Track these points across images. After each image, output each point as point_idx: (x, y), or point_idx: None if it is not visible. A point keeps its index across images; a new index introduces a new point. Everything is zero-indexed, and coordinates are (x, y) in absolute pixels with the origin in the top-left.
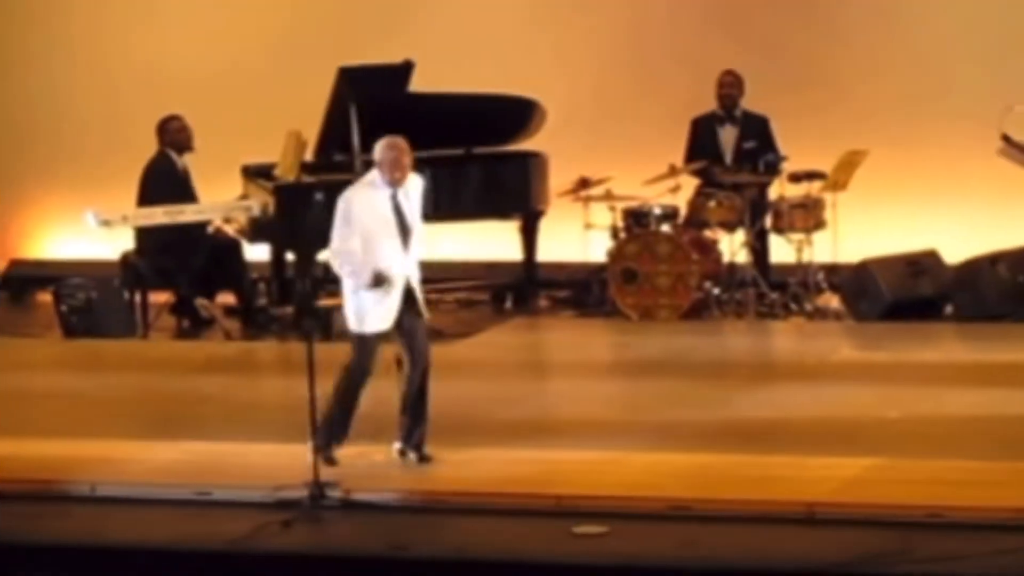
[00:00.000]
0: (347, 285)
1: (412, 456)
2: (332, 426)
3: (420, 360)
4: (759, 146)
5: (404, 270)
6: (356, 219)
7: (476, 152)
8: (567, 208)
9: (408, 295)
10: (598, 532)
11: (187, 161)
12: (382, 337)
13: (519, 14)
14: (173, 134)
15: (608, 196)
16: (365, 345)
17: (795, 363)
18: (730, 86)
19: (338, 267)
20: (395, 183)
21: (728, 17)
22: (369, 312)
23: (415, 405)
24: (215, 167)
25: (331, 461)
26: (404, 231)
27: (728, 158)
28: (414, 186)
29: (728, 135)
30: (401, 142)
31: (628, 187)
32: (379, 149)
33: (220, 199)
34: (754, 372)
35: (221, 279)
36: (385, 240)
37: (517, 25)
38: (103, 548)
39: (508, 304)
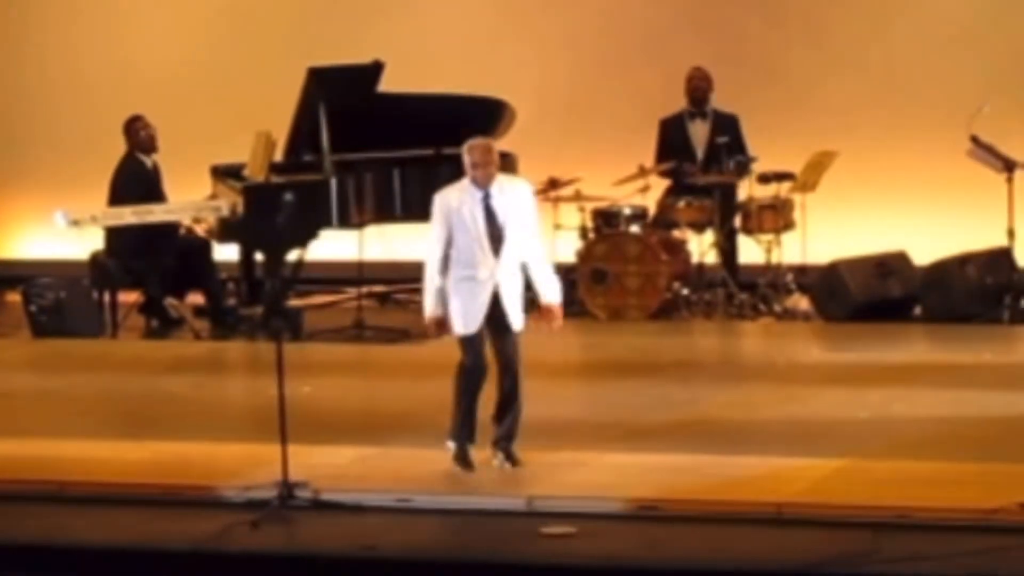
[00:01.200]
0: (448, 287)
1: (500, 457)
2: (459, 428)
3: (506, 368)
4: (731, 141)
5: (492, 275)
6: (446, 218)
7: (446, 152)
8: (536, 208)
9: (495, 302)
10: (566, 532)
11: (157, 160)
12: (482, 336)
13: (488, 14)
14: (138, 136)
15: (577, 196)
16: (466, 345)
17: (764, 364)
18: (700, 80)
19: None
20: (481, 183)
21: (698, 17)
22: (466, 312)
23: (502, 410)
24: (184, 167)
25: (468, 465)
26: (494, 235)
27: (700, 154)
28: (518, 193)
29: (699, 131)
30: (484, 142)
31: (597, 188)
32: (464, 150)
33: (189, 199)
34: (723, 373)
35: (190, 279)
36: (473, 242)
37: (486, 25)
38: (71, 548)
39: None
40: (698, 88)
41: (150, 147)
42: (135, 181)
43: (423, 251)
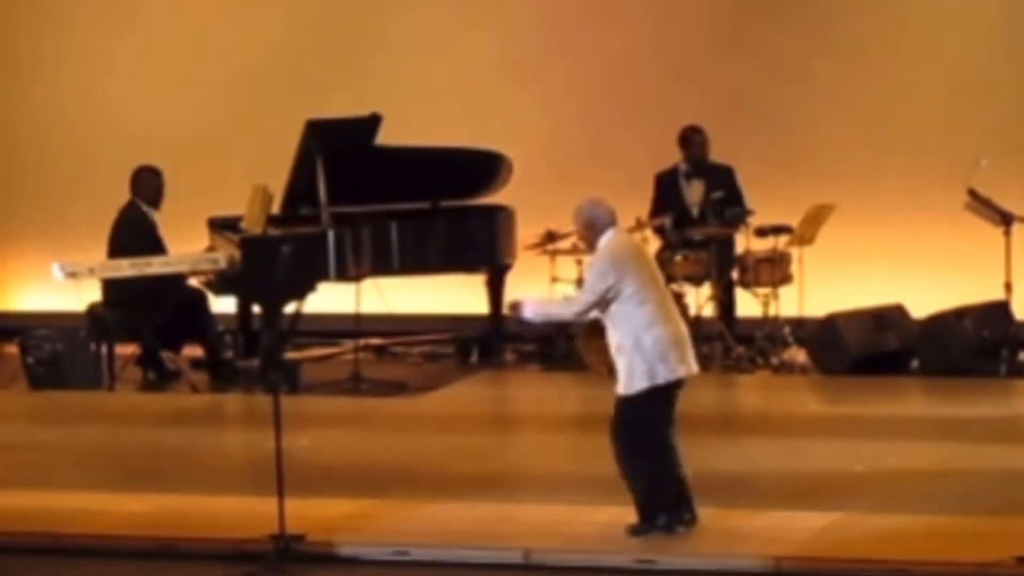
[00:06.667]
0: None
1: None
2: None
3: None
4: (727, 196)
5: None
6: None
7: (443, 206)
8: (534, 261)
9: None
10: None
11: (155, 213)
12: None
13: (486, 67)
14: (150, 187)
15: (575, 250)
16: None
17: (761, 417)
18: (701, 145)
19: None
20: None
21: (695, 69)
22: None
23: None
24: (182, 220)
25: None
26: None
27: (695, 211)
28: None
29: (695, 189)
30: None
31: None
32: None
33: (187, 252)
34: (720, 426)
35: (188, 331)
36: None
37: (484, 78)
38: None
39: (474, 357)
40: (698, 153)
41: (158, 200)
42: (140, 232)
43: (418, 304)
